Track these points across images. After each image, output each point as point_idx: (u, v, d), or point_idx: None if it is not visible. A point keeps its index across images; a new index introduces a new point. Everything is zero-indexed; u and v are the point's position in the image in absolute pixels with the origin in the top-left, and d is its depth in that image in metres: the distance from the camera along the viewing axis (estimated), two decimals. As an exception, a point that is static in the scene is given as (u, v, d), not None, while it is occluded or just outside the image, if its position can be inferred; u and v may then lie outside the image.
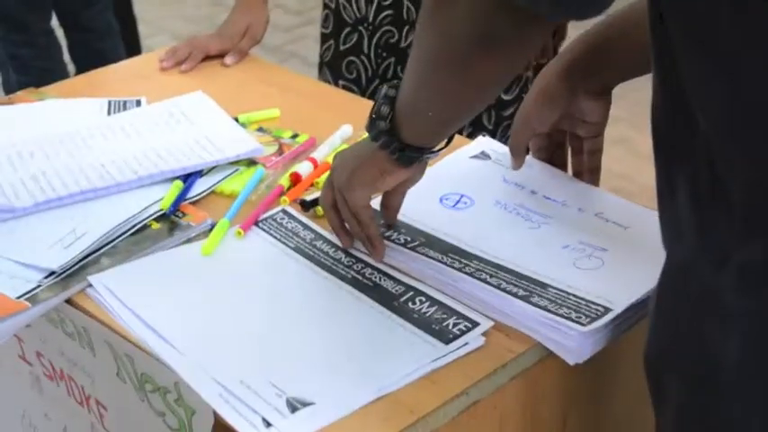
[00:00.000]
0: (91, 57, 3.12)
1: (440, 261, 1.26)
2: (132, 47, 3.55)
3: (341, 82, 1.89)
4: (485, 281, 1.21)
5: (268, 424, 1.04)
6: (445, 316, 1.19)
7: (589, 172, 1.43)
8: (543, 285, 1.20)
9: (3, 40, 3.21)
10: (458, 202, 1.39)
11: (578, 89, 1.34)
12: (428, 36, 1.06)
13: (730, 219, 0.93)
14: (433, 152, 1.22)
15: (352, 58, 1.90)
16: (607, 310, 1.15)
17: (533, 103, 1.36)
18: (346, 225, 1.30)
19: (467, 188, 1.42)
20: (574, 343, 1.13)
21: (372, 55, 1.86)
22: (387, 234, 1.32)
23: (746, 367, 0.94)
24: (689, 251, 0.99)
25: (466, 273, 1.23)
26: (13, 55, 3.21)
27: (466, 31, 0.99)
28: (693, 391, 1.00)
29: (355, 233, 1.29)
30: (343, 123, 1.60)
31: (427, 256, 1.27)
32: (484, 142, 1.53)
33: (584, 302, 1.16)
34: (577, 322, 1.13)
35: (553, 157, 1.45)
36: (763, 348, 0.93)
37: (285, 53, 3.90)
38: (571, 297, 1.17)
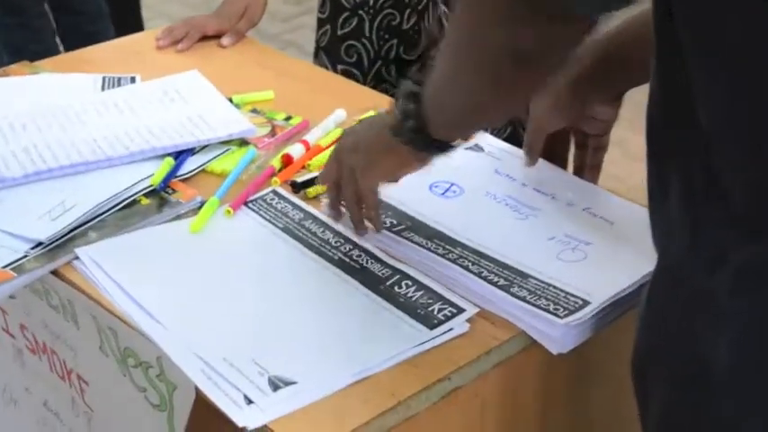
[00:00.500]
0: (82, 40, 3.12)
1: (423, 246, 1.27)
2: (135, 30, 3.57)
3: (340, 66, 1.90)
4: (466, 268, 1.22)
5: (249, 401, 1.05)
6: (431, 301, 1.19)
7: (590, 168, 1.44)
8: (524, 276, 1.20)
9: None
10: (447, 190, 1.39)
11: (589, 99, 1.35)
12: (459, 39, 1.04)
13: (728, 219, 0.92)
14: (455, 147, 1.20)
15: (351, 42, 1.90)
16: (585, 302, 1.15)
17: (546, 112, 1.36)
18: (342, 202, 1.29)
19: (457, 177, 1.42)
20: (557, 333, 1.13)
21: (375, 38, 1.87)
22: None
23: (739, 366, 0.94)
24: (680, 251, 0.98)
25: (448, 259, 1.24)
26: (7, 38, 3.20)
27: (497, 44, 0.96)
28: (683, 390, 1.00)
29: (352, 212, 1.28)
30: (336, 107, 1.60)
31: (412, 240, 1.28)
32: (478, 135, 1.53)
33: (563, 294, 1.16)
34: (555, 314, 1.13)
35: (554, 150, 1.46)
36: (757, 348, 0.93)
37: (283, 42, 3.90)
38: (551, 288, 1.18)
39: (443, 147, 1.16)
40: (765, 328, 0.93)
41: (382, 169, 1.22)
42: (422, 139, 1.13)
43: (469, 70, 1.03)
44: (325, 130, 1.55)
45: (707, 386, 0.97)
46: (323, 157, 1.47)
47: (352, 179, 1.23)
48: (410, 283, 1.23)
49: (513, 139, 1.76)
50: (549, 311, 1.13)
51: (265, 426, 1.03)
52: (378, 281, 1.24)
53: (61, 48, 3.48)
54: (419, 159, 1.19)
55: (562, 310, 1.14)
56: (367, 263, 1.27)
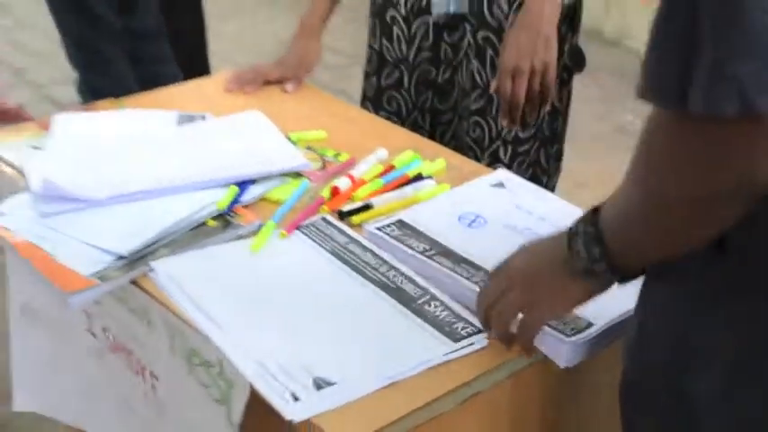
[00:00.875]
0: (154, 82, 3.05)
1: (452, 270, 1.27)
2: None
3: (381, 113, 1.89)
4: None
5: (296, 398, 1.07)
6: (455, 320, 1.21)
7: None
8: None
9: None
10: (473, 221, 1.40)
11: None
12: (638, 194, 0.93)
13: (720, 269, 0.92)
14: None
15: (392, 92, 1.90)
16: (590, 324, 1.16)
17: None
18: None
19: (483, 210, 1.43)
20: (564, 349, 1.14)
21: (412, 89, 1.86)
22: (408, 242, 1.34)
23: (719, 399, 0.94)
24: (670, 290, 0.98)
25: (473, 282, 1.25)
26: (94, 82, 3.16)
27: (716, 183, 0.85)
28: (667, 418, 1.00)
29: (502, 334, 1.12)
30: (379, 147, 1.61)
31: (441, 264, 1.29)
32: (502, 174, 1.54)
33: (570, 316, 1.16)
34: (563, 333, 1.14)
35: None
36: (735, 383, 0.93)
37: (334, 90, 3.92)
38: None
39: (631, 278, 1.03)
40: (743, 364, 0.93)
41: (560, 306, 1.09)
42: (612, 278, 1.02)
43: (670, 224, 0.92)
44: (369, 166, 1.56)
45: (687, 417, 0.96)
46: (367, 188, 1.50)
47: (516, 309, 1.09)
48: (438, 303, 1.24)
49: (533, 179, 1.77)
50: (557, 330, 1.14)
51: (308, 420, 1.04)
52: (410, 299, 1.25)
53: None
54: (598, 293, 1.05)
55: (569, 329, 1.15)
56: (402, 283, 1.28)
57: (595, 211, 1.01)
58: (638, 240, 0.97)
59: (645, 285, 1.02)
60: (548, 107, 1.69)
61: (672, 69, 0.82)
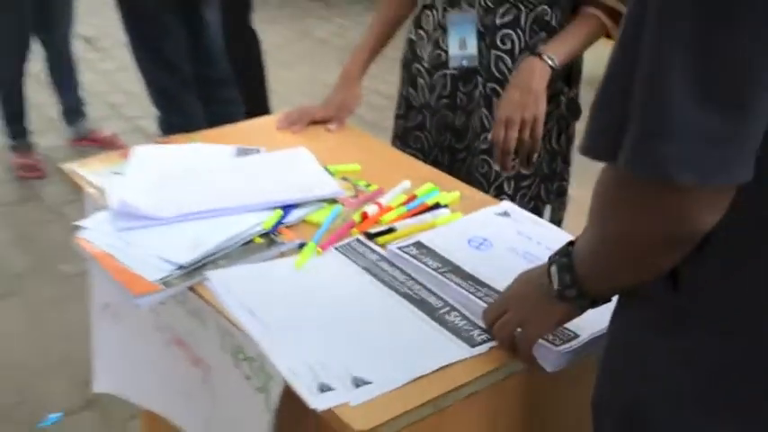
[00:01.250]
0: (221, 120, 3.03)
1: (460, 285, 1.28)
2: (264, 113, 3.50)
3: (408, 150, 1.89)
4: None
5: (327, 389, 1.08)
6: (471, 328, 1.20)
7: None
8: None
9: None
10: (480, 244, 1.40)
11: None
12: (606, 227, 0.91)
13: (673, 302, 0.90)
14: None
15: (417, 133, 1.90)
16: (576, 335, 1.16)
17: None
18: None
19: (489, 235, 1.43)
20: (552, 356, 1.14)
21: (433, 131, 1.86)
22: (424, 260, 1.34)
23: (673, 414, 0.92)
24: (631, 315, 0.96)
25: (478, 297, 1.25)
26: (170, 120, 3.18)
27: (648, 233, 0.85)
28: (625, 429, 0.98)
29: (505, 344, 1.15)
30: (404, 180, 1.62)
31: (452, 280, 1.29)
32: (507, 205, 1.54)
33: (559, 327, 1.15)
34: (552, 343, 1.14)
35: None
36: (695, 412, 0.91)
37: (377, 126, 3.91)
38: None
39: (601, 302, 1.04)
40: (700, 395, 0.90)
41: (544, 325, 1.10)
42: (582, 302, 1.03)
43: (619, 256, 0.92)
44: (395, 195, 1.57)
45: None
46: (392, 214, 1.50)
47: (512, 327, 1.12)
48: (457, 314, 1.24)
49: (534, 210, 1.77)
50: (547, 340, 1.14)
51: (330, 409, 1.05)
52: (433, 310, 1.25)
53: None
54: (576, 314, 1.06)
55: (558, 339, 1.15)
56: (425, 296, 1.28)
57: (571, 244, 1.01)
58: (598, 269, 0.97)
59: (615, 307, 1.02)
60: (536, 155, 1.69)
61: (607, 132, 0.83)
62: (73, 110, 3.93)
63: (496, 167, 1.74)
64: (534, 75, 1.63)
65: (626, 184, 0.84)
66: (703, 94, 0.75)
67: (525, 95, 1.62)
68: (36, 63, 3.77)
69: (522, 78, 1.64)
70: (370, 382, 1.09)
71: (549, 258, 1.03)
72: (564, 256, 1.01)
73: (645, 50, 0.78)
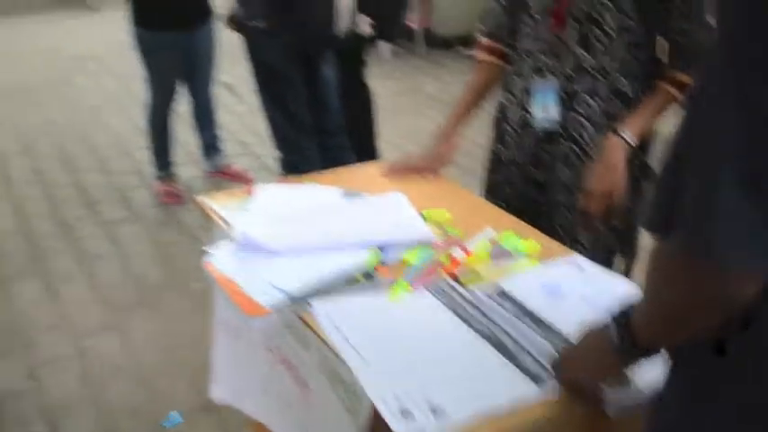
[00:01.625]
0: (333, 163, 3.03)
1: (533, 330, 1.25)
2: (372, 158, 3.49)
3: (495, 201, 1.86)
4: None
5: (415, 421, 1.06)
6: (541, 370, 1.17)
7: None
8: None
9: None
10: (554, 292, 1.37)
11: None
12: (658, 295, 0.89)
13: (718, 364, 0.86)
14: None
15: (504, 186, 1.88)
16: (635, 386, 1.10)
17: None
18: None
19: (562, 284, 1.39)
20: (614, 401, 1.10)
21: (518, 185, 1.84)
22: (502, 304, 1.31)
23: None
24: (680, 371, 0.93)
25: (548, 341, 1.22)
26: (290, 162, 3.23)
27: (696, 305, 0.83)
28: None
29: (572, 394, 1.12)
30: (488, 227, 1.60)
31: (526, 324, 1.26)
32: (581, 259, 1.49)
33: (626, 379, 1.09)
34: (615, 390, 1.10)
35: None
36: None
37: (473, 174, 3.85)
38: None
39: (653, 353, 0.99)
40: None
41: (604, 373, 1.07)
42: (636, 352, 0.99)
43: (669, 322, 0.90)
44: (479, 242, 1.54)
45: None
46: (475, 259, 1.47)
47: (576, 373, 1.10)
48: (528, 355, 1.20)
49: (606, 261, 1.73)
50: (612, 387, 1.09)
51: None
52: (507, 350, 1.22)
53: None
54: (633, 364, 1.01)
55: (621, 388, 1.09)
56: (501, 337, 1.25)
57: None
58: (651, 329, 0.95)
59: (669, 366, 0.97)
60: (614, 220, 1.69)
61: (663, 211, 0.82)
62: (210, 146, 4.05)
63: (578, 230, 1.74)
64: (615, 152, 1.66)
65: (679, 261, 0.82)
66: (753, 186, 0.73)
67: (607, 171, 1.66)
68: (182, 105, 3.89)
69: (605, 155, 1.67)
70: (445, 411, 1.07)
71: (612, 315, 1.00)
72: (623, 316, 0.99)
73: (698, 137, 0.76)
